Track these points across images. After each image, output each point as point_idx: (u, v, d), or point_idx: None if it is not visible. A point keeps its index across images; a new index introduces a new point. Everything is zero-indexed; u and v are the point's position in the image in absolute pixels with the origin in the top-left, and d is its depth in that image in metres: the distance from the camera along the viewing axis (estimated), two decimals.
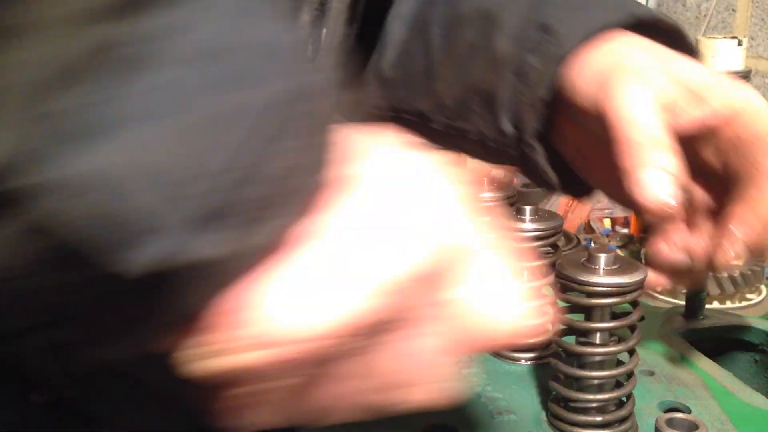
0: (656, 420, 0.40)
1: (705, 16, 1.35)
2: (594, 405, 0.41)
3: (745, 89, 0.43)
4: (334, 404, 0.28)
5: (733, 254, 0.40)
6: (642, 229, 0.95)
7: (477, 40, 0.51)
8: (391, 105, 0.57)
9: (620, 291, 0.39)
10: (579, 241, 0.86)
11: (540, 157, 0.46)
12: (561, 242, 0.53)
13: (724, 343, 0.57)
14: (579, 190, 0.47)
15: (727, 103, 0.42)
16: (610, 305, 0.39)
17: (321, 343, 0.24)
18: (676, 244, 0.42)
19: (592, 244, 0.90)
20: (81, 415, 0.26)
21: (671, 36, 0.47)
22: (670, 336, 0.53)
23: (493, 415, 0.42)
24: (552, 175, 0.47)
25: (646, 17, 0.46)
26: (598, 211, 0.97)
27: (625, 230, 0.97)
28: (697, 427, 0.40)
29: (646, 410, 0.43)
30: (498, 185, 0.53)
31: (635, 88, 0.42)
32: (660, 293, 0.82)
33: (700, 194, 0.44)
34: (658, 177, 0.38)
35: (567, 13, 0.47)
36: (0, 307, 0.21)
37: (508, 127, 0.48)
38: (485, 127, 0.49)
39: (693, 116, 0.42)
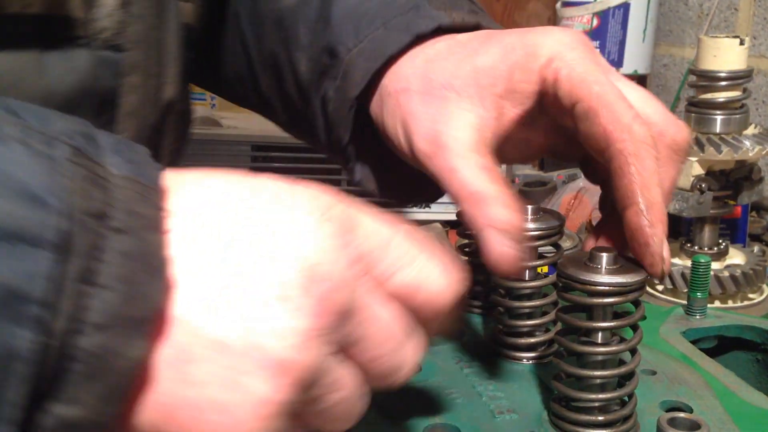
0: (658, 419, 0.40)
1: (707, 15, 1.34)
2: (596, 404, 0.41)
3: (552, 35, 0.43)
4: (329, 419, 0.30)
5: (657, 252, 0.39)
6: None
7: (281, 53, 0.53)
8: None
9: (622, 290, 0.39)
10: (581, 241, 0.86)
11: (357, 171, 0.50)
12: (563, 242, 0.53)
13: (726, 342, 0.57)
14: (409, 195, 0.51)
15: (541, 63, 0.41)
16: (611, 304, 0.39)
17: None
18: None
19: None
20: None
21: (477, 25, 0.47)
22: (671, 335, 0.53)
23: (494, 415, 0.42)
24: (371, 186, 0.50)
25: (426, 32, 0.46)
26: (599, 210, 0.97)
27: None
28: (699, 427, 0.40)
29: (648, 410, 0.43)
30: None
31: (446, 136, 0.42)
32: (662, 293, 0.82)
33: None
34: (496, 238, 0.39)
35: (349, 37, 0.47)
36: None
37: (325, 139, 0.51)
38: (308, 134, 0.53)
39: (516, 111, 0.43)
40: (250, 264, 0.26)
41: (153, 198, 0.26)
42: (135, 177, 0.26)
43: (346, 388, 0.29)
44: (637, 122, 0.39)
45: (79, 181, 0.24)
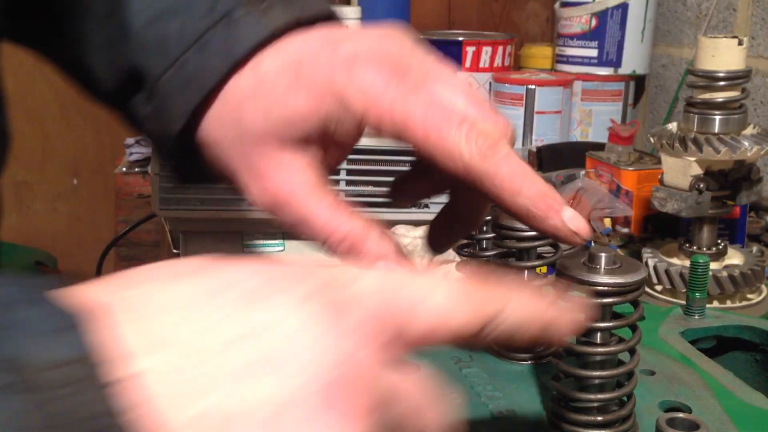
0: (657, 420, 0.40)
1: (705, 15, 1.35)
2: (595, 405, 0.41)
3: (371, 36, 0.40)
4: None
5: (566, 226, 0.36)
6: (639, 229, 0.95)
7: (58, 40, 0.48)
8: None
9: (621, 290, 0.39)
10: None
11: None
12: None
13: (725, 342, 0.57)
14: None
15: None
16: (610, 305, 0.39)
17: None
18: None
19: (593, 244, 0.90)
20: None
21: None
22: (670, 336, 0.53)
23: (493, 415, 0.42)
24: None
25: (244, 55, 0.41)
26: (598, 210, 0.97)
27: (626, 230, 0.97)
28: (697, 427, 0.40)
29: (647, 410, 0.43)
30: None
31: (284, 186, 0.40)
32: (661, 293, 0.82)
33: None
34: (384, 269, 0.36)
35: (155, 57, 0.42)
36: None
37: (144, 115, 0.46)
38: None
39: (340, 154, 0.41)
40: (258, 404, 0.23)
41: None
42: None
43: None
44: (465, 143, 0.37)
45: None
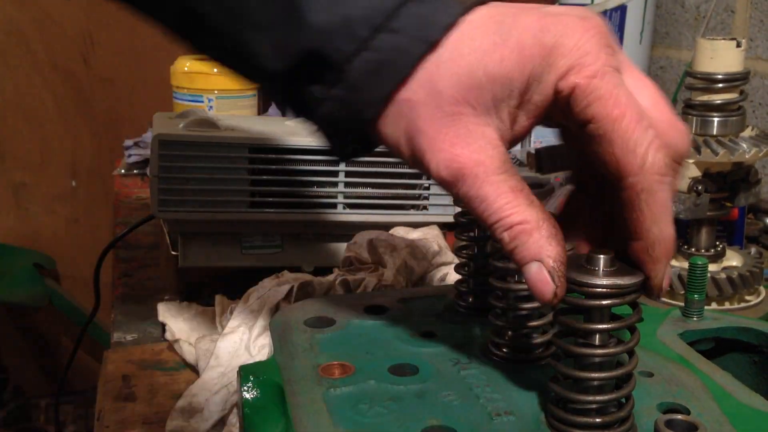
0: (655, 421, 0.40)
1: (704, 17, 1.35)
2: (593, 406, 0.41)
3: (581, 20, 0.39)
4: None
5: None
6: None
7: (213, 14, 0.45)
8: None
9: (619, 292, 0.39)
10: None
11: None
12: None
13: (723, 344, 0.57)
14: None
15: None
16: (609, 306, 0.39)
17: None
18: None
19: None
20: None
21: None
22: (669, 337, 0.53)
23: (491, 417, 0.42)
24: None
25: (441, 35, 0.40)
26: None
27: None
28: (696, 428, 0.40)
29: (646, 411, 0.43)
30: None
31: (468, 160, 0.39)
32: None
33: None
34: (541, 273, 0.38)
35: (342, 39, 0.40)
36: None
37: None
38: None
39: (528, 122, 0.41)
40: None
41: None
42: None
43: None
44: (653, 150, 0.37)
45: None
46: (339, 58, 0.40)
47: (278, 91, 0.46)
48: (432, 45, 0.40)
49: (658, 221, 0.38)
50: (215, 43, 0.47)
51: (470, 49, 0.39)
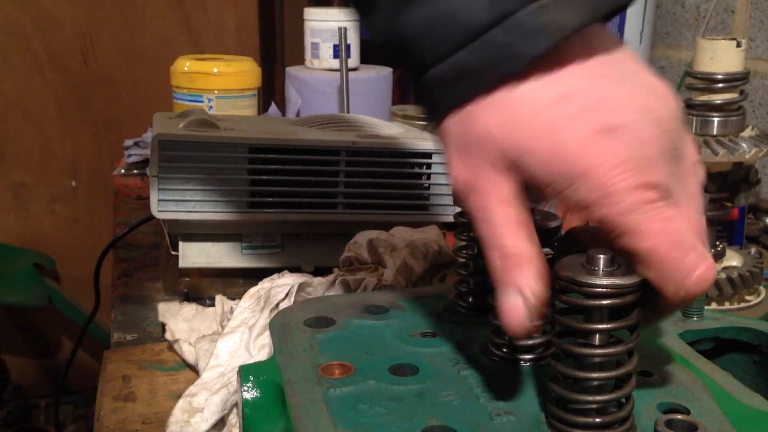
0: (655, 421, 0.40)
1: (704, 17, 1.35)
2: (593, 406, 0.41)
3: None
4: None
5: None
6: None
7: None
8: None
9: (619, 292, 0.39)
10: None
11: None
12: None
13: (723, 344, 0.57)
14: None
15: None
16: (609, 306, 0.39)
17: None
18: None
19: None
20: None
21: None
22: (669, 337, 0.53)
23: (491, 417, 0.42)
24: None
25: (524, 67, 0.38)
26: None
27: None
28: (696, 428, 0.40)
29: (645, 411, 0.43)
30: None
31: (483, 181, 0.40)
32: None
33: None
34: (516, 302, 0.38)
35: (425, 43, 0.40)
36: None
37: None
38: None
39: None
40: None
41: None
42: None
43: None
44: (690, 282, 0.38)
45: None
46: (422, 61, 0.40)
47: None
48: (504, 78, 0.39)
49: (681, 306, 0.41)
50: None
51: (524, 113, 0.39)
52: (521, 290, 0.38)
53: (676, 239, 0.38)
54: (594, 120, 0.38)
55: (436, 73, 0.40)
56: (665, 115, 0.39)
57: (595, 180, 0.37)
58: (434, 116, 0.43)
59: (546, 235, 0.47)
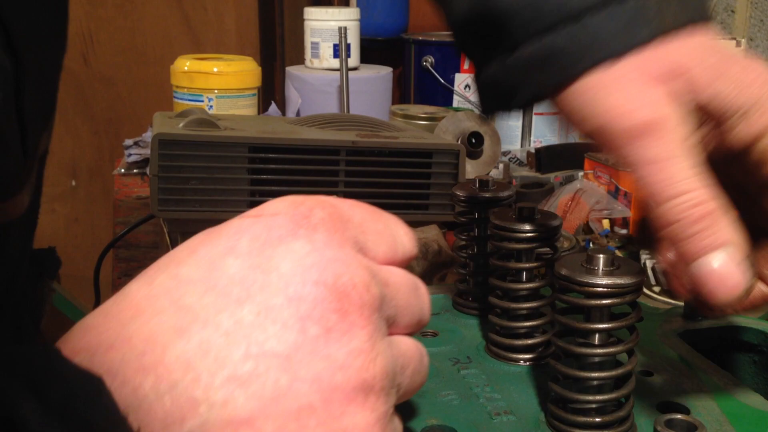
0: (655, 421, 0.40)
1: None
2: (593, 406, 0.41)
3: None
4: None
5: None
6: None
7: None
8: None
9: (619, 292, 0.39)
10: (578, 242, 0.86)
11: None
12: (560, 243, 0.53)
13: (723, 343, 0.57)
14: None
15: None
16: (608, 306, 0.39)
17: None
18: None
19: (591, 245, 0.90)
20: None
21: None
22: (668, 337, 0.53)
23: (491, 416, 0.42)
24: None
25: (623, 52, 0.36)
26: (596, 212, 0.97)
27: (624, 231, 0.97)
28: (695, 428, 0.40)
29: (645, 411, 0.43)
30: (497, 187, 0.53)
31: (664, 118, 0.35)
32: (659, 294, 0.82)
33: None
34: (731, 266, 0.33)
35: (525, 15, 0.37)
36: None
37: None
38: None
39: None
40: (271, 316, 0.25)
41: None
42: None
43: (411, 356, 0.30)
44: None
45: None
46: (515, 38, 0.38)
47: (458, 37, 0.44)
48: (611, 57, 0.36)
49: None
50: None
51: (687, 53, 0.37)
52: (728, 244, 0.33)
53: None
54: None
55: (533, 48, 0.37)
56: None
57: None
58: (528, 99, 0.39)
59: (547, 234, 0.47)
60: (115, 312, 0.26)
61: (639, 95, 0.35)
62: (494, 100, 0.42)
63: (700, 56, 0.37)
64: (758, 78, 0.36)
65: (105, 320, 0.25)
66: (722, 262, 0.33)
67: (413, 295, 0.31)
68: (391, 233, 0.31)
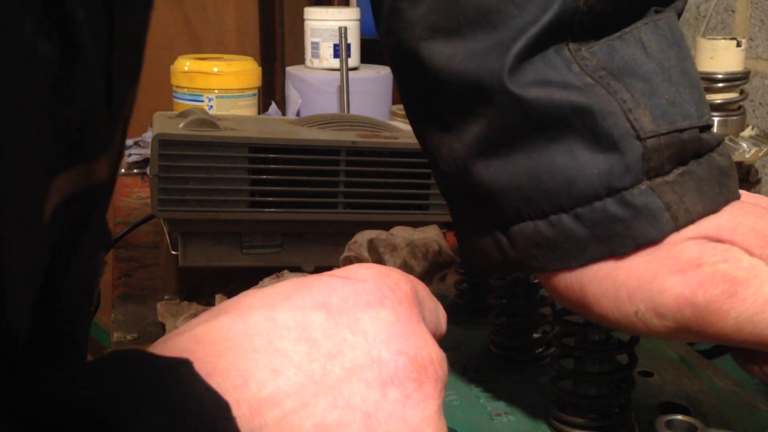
0: (655, 421, 0.40)
1: (704, 17, 1.35)
2: (593, 406, 0.41)
3: None
4: None
5: None
6: None
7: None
8: None
9: None
10: None
11: None
12: None
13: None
14: None
15: None
16: None
17: None
18: None
19: None
20: None
21: None
22: None
23: (491, 417, 0.42)
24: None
25: (634, 249, 0.36)
26: None
27: None
28: (696, 428, 0.40)
29: (645, 411, 0.43)
30: None
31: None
32: None
33: None
34: None
35: (513, 202, 0.37)
36: None
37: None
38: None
39: None
40: (357, 374, 0.27)
41: None
42: None
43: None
44: None
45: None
46: (510, 217, 0.38)
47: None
48: (619, 253, 0.36)
49: None
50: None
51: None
52: None
53: None
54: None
55: (527, 230, 0.38)
56: None
57: None
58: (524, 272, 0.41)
59: None
60: (209, 340, 0.26)
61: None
62: (487, 266, 0.42)
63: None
64: None
65: (199, 347, 0.26)
66: None
67: None
68: (438, 314, 0.33)
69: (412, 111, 0.44)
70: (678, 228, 0.35)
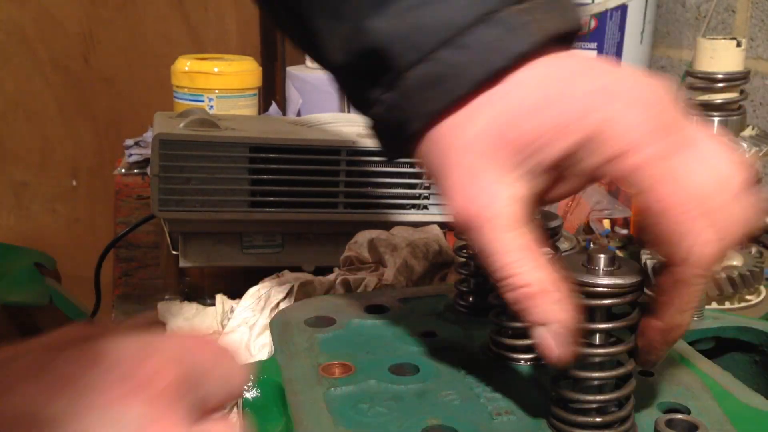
0: (656, 421, 0.40)
1: (704, 17, 1.34)
2: (593, 406, 0.41)
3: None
4: None
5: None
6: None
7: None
8: None
9: (619, 292, 0.39)
10: (578, 242, 0.86)
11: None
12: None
13: (724, 343, 0.57)
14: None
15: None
16: (609, 306, 0.39)
17: None
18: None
19: (592, 245, 0.90)
20: None
21: None
22: None
23: (492, 416, 0.42)
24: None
25: (504, 66, 0.38)
26: (597, 211, 0.97)
27: (625, 231, 0.97)
28: (696, 428, 0.40)
29: (646, 411, 0.43)
30: None
31: (486, 209, 0.37)
32: None
33: None
34: (549, 338, 0.37)
35: (405, 46, 0.39)
36: None
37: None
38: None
39: (565, 189, 0.39)
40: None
41: None
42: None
43: None
44: (699, 245, 0.36)
45: None
46: (399, 64, 0.39)
47: (340, 84, 0.46)
48: (494, 73, 0.38)
49: (684, 311, 0.38)
50: (292, 24, 0.47)
51: (518, 100, 0.38)
52: (544, 323, 0.37)
53: (688, 200, 0.36)
54: (594, 87, 0.37)
55: (417, 73, 0.39)
56: (658, 90, 0.38)
57: (611, 134, 0.36)
58: (408, 134, 0.41)
59: (546, 234, 0.47)
60: None
61: (472, 184, 0.38)
62: (390, 142, 0.43)
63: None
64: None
65: None
66: (543, 339, 0.38)
67: None
68: (227, 379, 0.31)
69: (288, 20, 0.46)
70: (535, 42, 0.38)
